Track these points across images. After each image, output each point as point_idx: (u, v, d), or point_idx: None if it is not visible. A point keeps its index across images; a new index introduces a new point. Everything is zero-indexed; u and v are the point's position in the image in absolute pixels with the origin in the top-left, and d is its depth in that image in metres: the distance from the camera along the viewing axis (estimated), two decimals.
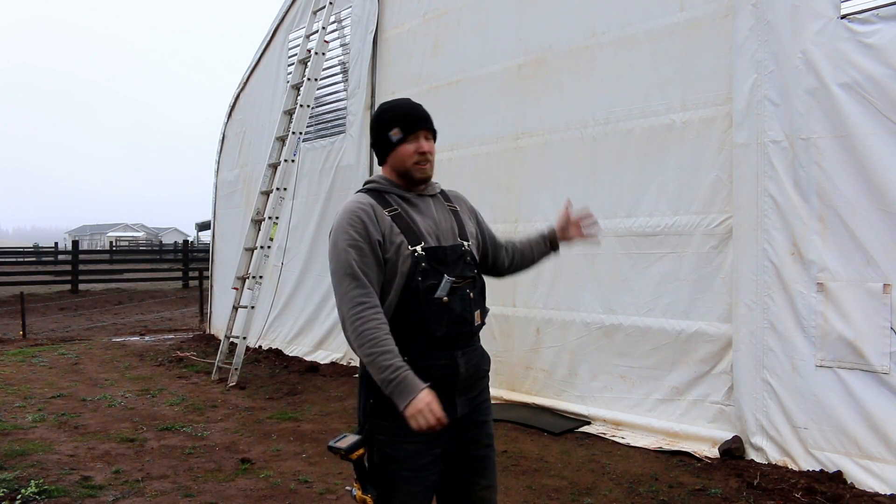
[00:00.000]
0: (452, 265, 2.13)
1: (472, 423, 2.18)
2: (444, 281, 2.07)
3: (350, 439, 2.02)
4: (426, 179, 2.21)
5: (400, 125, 2.16)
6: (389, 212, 2.12)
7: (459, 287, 2.12)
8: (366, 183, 2.24)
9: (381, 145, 2.21)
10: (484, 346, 2.30)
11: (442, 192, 2.32)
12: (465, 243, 2.20)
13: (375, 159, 2.32)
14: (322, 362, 7.80)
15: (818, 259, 4.08)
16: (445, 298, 2.07)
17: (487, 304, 2.30)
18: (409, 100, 2.29)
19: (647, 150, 5.10)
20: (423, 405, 1.92)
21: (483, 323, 2.22)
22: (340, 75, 8.28)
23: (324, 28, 7.73)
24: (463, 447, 2.17)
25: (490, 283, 2.37)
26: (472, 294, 2.16)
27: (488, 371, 2.29)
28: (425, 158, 2.17)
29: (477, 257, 2.27)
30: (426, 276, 2.06)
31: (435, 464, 2.11)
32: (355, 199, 2.14)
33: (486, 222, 2.46)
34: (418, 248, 2.08)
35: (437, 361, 2.08)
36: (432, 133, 2.23)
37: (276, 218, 7.45)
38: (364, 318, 1.97)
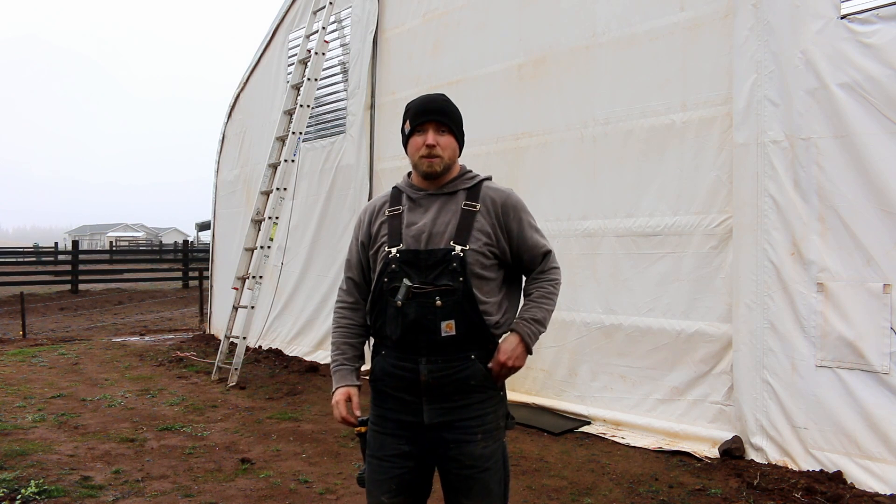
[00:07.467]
0: (426, 270, 2.04)
1: (453, 441, 2.06)
2: (401, 285, 2.05)
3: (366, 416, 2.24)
4: (433, 174, 2.13)
5: (409, 118, 2.17)
6: (391, 211, 2.17)
7: (423, 293, 2.03)
8: None
9: (403, 141, 2.24)
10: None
11: (475, 187, 2.17)
12: (458, 248, 2.04)
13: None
14: (322, 362, 7.80)
15: (818, 259, 4.08)
16: (399, 303, 2.05)
17: None
18: (434, 94, 2.23)
19: (647, 150, 5.10)
20: (334, 401, 2.21)
21: (456, 334, 2.03)
22: (340, 75, 8.28)
23: (324, 28, 7.73)
24: (444, 464, 2.10)
25: None
26: (439, 302, 2.02)
27: (478, 388, 2.08)
28: (430, 152, 2.10)
29: (483, 262, 2.08)
30: (393, 278, 2.08)
31: (401, 459, 2.09)
32: (376, 196, 2.32)
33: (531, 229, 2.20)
34: (393, 250, 2.09)
35: (401, 363, 2.09)
36: (448, 126, 2.14)
37: (276, 218, 7.44)
38: (339, 306, 2.30)
